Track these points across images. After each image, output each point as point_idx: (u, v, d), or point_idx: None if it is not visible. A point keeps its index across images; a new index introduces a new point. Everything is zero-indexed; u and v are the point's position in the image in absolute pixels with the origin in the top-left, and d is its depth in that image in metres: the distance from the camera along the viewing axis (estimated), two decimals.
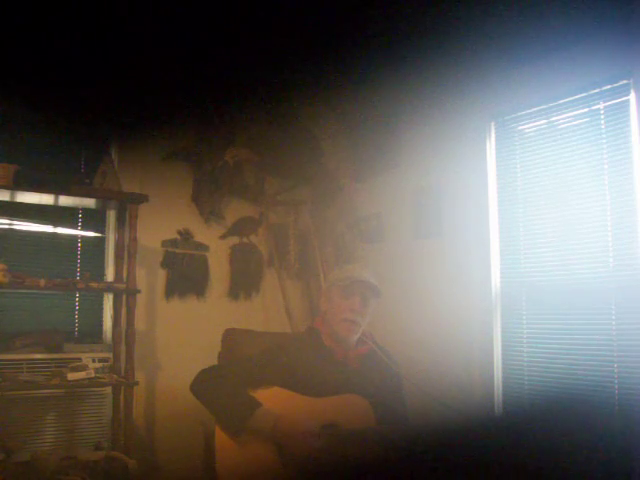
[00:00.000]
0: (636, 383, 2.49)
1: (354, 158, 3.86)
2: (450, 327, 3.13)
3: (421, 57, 3.11)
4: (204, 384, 2.30)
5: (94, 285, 3.07)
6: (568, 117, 2.83)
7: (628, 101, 2.59)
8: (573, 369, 2.70)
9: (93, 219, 3.46)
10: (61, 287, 3.02)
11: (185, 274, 3.66)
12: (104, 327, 3.43)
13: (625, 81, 2.60)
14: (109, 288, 3.21)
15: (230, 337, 2.83)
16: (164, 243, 3.61)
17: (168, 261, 3.62)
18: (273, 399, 2.22)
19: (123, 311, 3.18)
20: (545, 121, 2.92)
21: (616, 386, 2.56)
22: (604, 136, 2.68)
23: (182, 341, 3.55)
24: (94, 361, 3.14)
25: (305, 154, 3.88)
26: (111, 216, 3.48)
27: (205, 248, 3.73)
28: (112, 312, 3.28)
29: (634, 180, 2.56)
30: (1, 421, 3.01)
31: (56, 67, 3.08)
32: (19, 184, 2.86)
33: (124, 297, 3.17)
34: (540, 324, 2.87)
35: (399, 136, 3.57)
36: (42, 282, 2.92)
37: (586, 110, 2.75)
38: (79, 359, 3.11)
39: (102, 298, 3.43)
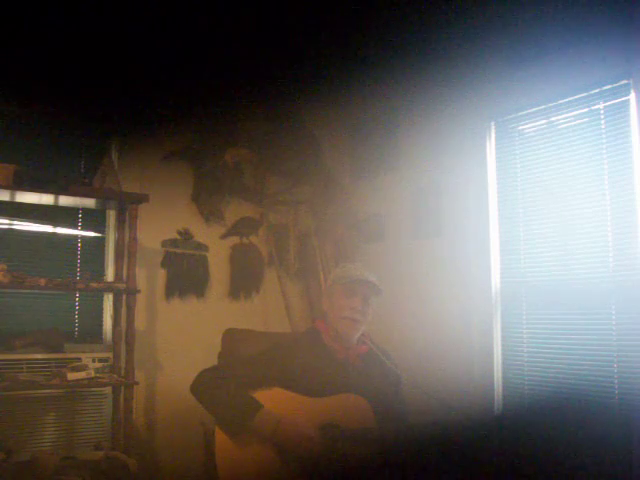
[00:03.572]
0: (636, 383, 2.49)
1: (354, 158, 3.86)
2: (450, 327, 3.13)
3: (421, 57, 3.12)
4: (204, 385, 2.29)
5: (94, 285, 3.07)
6: (568, 117, 2.83)
7: (628, 101, 2.59)
8: (573, 369, 2.70)
9: (93, 219, 3.46)
10: (61, 287, 3.01)
11: (185, 274, 3.65)
12: (104, 327, 3.43)
13: (625, 81, 2.60)
14: (109, 288, 3.21)
15: (230, 337, 2.83)
16: (164, 243, 3.61)
17: (168, 261, 3.62)
18: (273, 399, 2.22)
19: (123, 311, 3.17)
20: (545, 121, 2.92)
21: (616, 386, 2.56)
22: (604, 136, 2.68)
23: (182, 341, 3.55)
24: (94, 361, 3.14)
25: (305, 154, 3.88)
26: (111, 216, 3.48)
27: (205, 248, 3.73)
28: (112, 312, 3.28)
29: (634, 180, 2.56)
30: (1, 421, 3.01)
31: (56, 67, 3.09)
32: (19, 184, 2.86)
33: (124, 297, 3.17)
34: (540, 324, 2.87)
35: (399, 136, 3.57)
36: (42, 282, 2.92)
37: (586, 110, 2.75)
38: (79, 359, 3.11)
39: (102, 298, 3.43)
